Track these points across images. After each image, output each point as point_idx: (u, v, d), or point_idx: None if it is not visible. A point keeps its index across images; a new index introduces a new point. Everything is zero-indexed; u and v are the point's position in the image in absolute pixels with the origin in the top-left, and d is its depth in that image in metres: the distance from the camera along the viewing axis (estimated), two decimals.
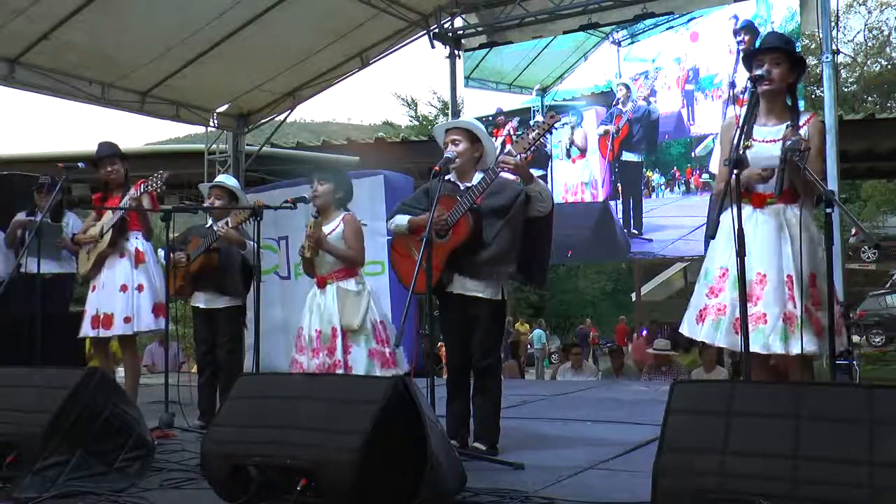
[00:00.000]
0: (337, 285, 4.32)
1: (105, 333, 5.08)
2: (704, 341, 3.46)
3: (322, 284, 4.37)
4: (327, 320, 4.28)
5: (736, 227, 3.05)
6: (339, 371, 4.18)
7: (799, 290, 3.22)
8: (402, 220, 4.10)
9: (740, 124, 3.31)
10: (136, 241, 5.15)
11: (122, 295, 5.03)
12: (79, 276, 5.52)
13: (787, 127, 3.35)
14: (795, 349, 3.21)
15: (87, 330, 5.11)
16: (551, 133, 3.93)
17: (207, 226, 5.22)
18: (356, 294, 4.33)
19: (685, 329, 3.54)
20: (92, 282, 5.18)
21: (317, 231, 4.25)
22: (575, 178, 8.76)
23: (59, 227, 5.88)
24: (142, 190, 4.94)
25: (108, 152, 5.24)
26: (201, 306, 5.16)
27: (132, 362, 5.34)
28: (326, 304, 4.31)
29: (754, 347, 3.23)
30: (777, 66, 3.42)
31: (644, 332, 18.37)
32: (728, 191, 3.14)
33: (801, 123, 3.44)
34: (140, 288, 5.06)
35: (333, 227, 4.38)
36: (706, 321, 3.37)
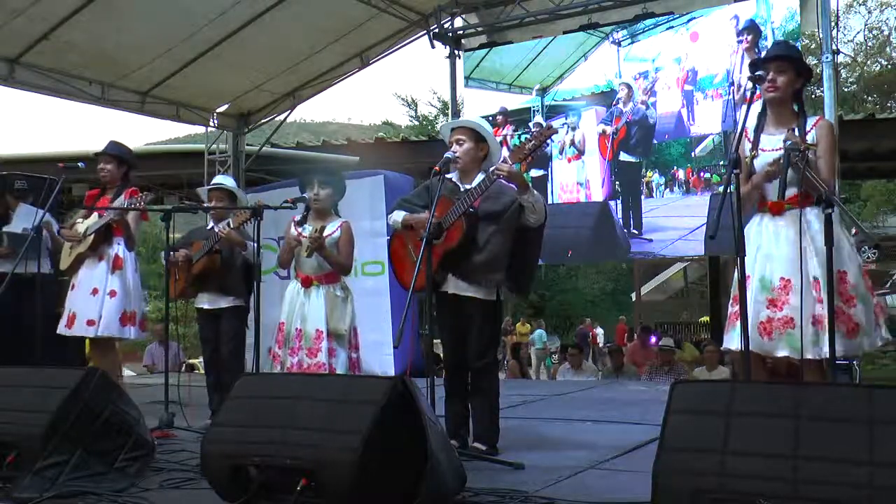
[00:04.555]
0: (326, 289, 4.44)
1: (68, 333, 5.09)
2: (729, 347, 3.49)
3: (307, 284, 4.44)
4: (312, 321, 4.38)
5: (736, 226, 3.06)
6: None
7: (827, 290, 3.21)
8: (398, 216, 4.12)
9: (741, 125, 3.33)
10: (117, 247, 5.13)
11: (92, 298, 5.02)
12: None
13: (788, 131, 3.37)
14: (825, 353, 3.22)
15: (61, 328, 5.12)
16: (548, 145, 3.93)
17: (209, 227, 5.23)
18: (343, 300, 4.47)
19: (728, 343, 3.51)
20: (71, 280, 5.19)
21: (321, 237, 4.31)
22: (570, 178, 8.76)
23: (24, 238, 5.79)
24: (127, 204, 4.93)
25: (105, 150, 5.23)
26: (205, 307, 5.16)
27: (108, 366, 5.27)
28: (312, 306, 4.40)
29: (783, 352, 3.28)
30: (781, 73, 3.44)
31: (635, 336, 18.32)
32: (729, 194, 3.14)
33: (808, 128, 3.45)
34: (112, 294, 5.04)
35: (331, 231, 4.46)
36: (736, 327, 3.38)
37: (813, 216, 3.37)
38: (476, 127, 4.10)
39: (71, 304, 5.10)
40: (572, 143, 8.77)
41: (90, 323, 5.00)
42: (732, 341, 3.42)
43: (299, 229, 4.49)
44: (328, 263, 4.41)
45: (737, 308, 3.33)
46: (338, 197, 4.62)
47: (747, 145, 3.52)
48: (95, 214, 5.08)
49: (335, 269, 4.46)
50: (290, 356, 4.38)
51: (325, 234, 4.37)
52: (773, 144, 3.44)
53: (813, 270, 3.32)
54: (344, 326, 4.42)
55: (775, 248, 3.39)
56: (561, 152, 8.80)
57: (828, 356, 3.21)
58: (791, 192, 3.37)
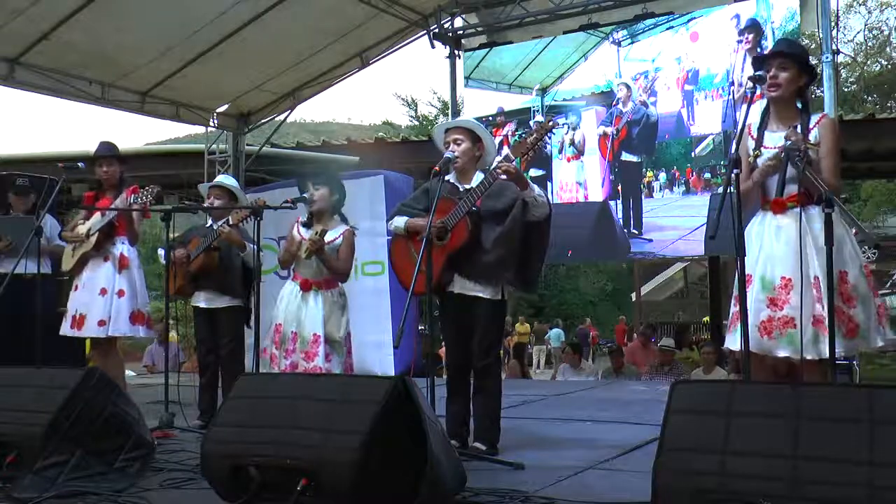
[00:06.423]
0: (324, 294, 4.45)
1: (77, 334, 5.10)
2: (731, 348, 3.51)
3: (306, 288, 4.45)
4: (309, 326, 4.39)
5: (736, 226, 3.06)
6: None
7: (827, 291, 3.19)
8: (400, 221, 4.12)
9: (741, 124, 3.33)
10: (121, 247, 5.15)
11: (101, 298, 5.04)
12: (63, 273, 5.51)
13: (789, 129, 3.37)
14: (825, 353, 3.20)
15: (65, 329, 5.13)
16: (549, 137, 3.92)
17: (208, 226, 5.23)
18: (341, 307, 4.49)
19: (729, 343, 3.56)
20: (75, 281, 5.20)
21: (321, 241, 4.30)
22: (569, 178, 8.77)
23: (18, 221, 5.83)
24: (131, 201, 4.94)
25: (105, 152, 5.25)
26: (202, 306, 5.16)
27: (112, 366, 5.26)
28: (310, 310, 4.41)
29: (784, 352, 3.26)
30: (784, 70, 3.43)
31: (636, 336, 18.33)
32: (729, 194, 3.14)
33: (811, 125, 3.44)
34: (121, 293, 5.07)
35: (333, 238, 4.46)
36: (738, 328, 3.38)
37: (815, 214, 3.35)
38: (473, 127, 4.11)
39: (77, 305, 5.10)
40: (572, 143, 8.77)
41: (101, 323, 5.02)
42: (734, 342, 3.41)
43: (302, 231, 4.48)
44: (326, 268, 4.41)
45: (738, 308, 3.33)
46: (338, 197, 4.59)
47: (751, 143, 3.51)
48: (97, 214, 5.09)
49: (333, 275, 4.47)
50: (285, 358, 4.41)
51: (326, 239, 4.36)
52: (775, 142, 3.44)
53: (814, 269, 3.30)
54: (339, 333, 4.45)
55: (776, 247, 3.38)
56: (560, 151, 8.79)
57: (827, 356, 3.21)
58: (792, 189, 3.35)
